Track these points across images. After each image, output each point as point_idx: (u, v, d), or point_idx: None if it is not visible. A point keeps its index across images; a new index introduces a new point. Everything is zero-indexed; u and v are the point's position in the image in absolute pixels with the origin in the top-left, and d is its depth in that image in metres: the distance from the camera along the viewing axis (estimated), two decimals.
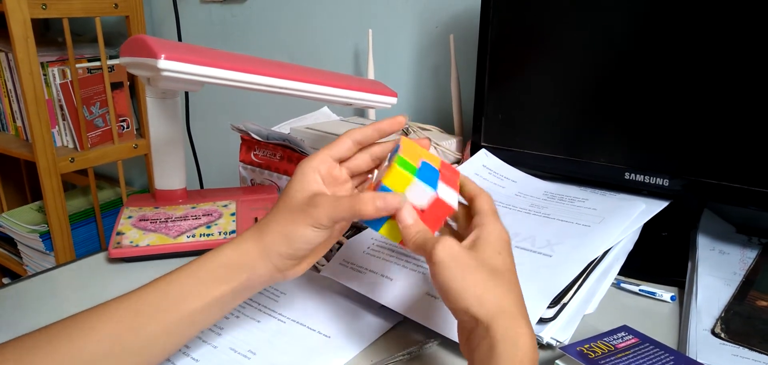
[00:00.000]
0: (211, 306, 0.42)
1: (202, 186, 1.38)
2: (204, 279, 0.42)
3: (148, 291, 0.42)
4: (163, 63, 0.50)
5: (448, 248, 0.38)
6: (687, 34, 0.58)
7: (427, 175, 0.42)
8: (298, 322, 0.51)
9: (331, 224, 0.42)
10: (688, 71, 0.59)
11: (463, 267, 0.37)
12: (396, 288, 0.52)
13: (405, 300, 0.51)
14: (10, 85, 1.43)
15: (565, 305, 0.49)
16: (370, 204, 0.40)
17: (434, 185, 0.42)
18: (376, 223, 0.42)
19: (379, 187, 0.42)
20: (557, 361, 0.43)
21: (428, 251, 0.38)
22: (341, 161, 0.46)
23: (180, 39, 1.31)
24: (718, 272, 0.57)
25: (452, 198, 0.42)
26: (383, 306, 0.52)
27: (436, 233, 0.42)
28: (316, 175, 0.44)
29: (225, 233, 0.65)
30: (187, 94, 1.29)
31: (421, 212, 0.42)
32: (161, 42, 0.53)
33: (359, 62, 1.10)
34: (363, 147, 0.47)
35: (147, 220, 0.66)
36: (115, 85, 1.39)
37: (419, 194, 0.41)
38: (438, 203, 0.42)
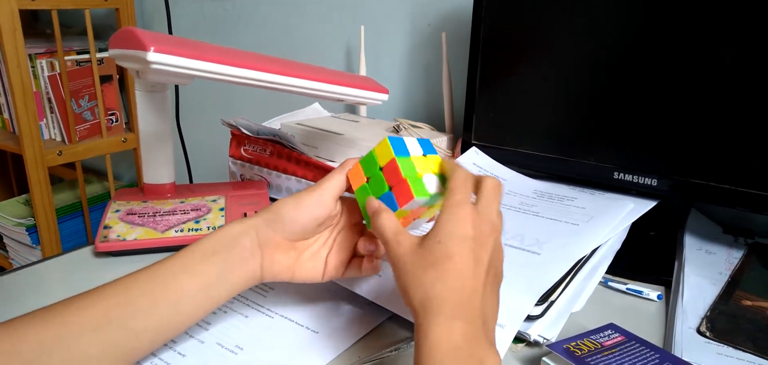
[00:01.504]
0: (196, 286, 0.43)
1: (191, 181, 1.37)
2: (193, 257, 0.44)
3: (140, 272, 0.43)
4: (152, 55, 0.50)
5: (394, 249, 0.40)
6: (677, 35, 0.58)
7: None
8: (285, 318, 0.51)
9: (330, 199, 0.46)
10: (678, 73, 0.59)
11: (402, 266, 0.39)
12: (384, 284, 0.52)
13: (393, 296, 0.51)
14: None
15: (552, 302, 0.50)
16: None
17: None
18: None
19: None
20: (544, 358, 0.43)
21: (386, 246, 0.41)
22: None
23: (170, 33, 1.30)
24: (704, 271, 0.57)
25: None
26: (371, 302, 0.52)
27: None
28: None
29: (213, 228, 0.65)
30: (177, 87, 1.28)
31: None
32: (151, 34, 0.52)
33: (351, 59, 1.09)
34: None
35: (135, 214, 0.66)
36: (104, 79, 1.37)
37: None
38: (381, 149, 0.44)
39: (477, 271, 0.37)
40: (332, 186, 0.46)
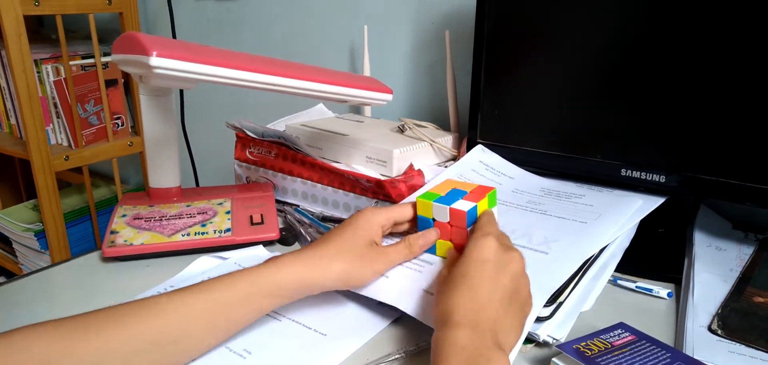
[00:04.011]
0: (253, 316, 0.47)
1: (197, 184, 1.37)
2: (253, 294, 0.45)
3: (198, 294, 0.44)
4: (154, 60, 0.50)
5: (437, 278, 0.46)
6: (684, 30, 0.58)
7: (447, 198, 0.53)
8: (293, 320, 0.51)
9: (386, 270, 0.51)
10: (685, 68, 0.58)
11: (437, 289, 0.45)
12: (392, 285, 0.52)
13: (401, 297, 0.51)
14: (3, 83, 1.42)
15: (561, 302, 0.49)
16: (416, 246, 0.52)
17: (450, 202, 0.52)
18: (430, 248, 0.54)
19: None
20: (554, 359, 0.43)
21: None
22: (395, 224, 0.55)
23: (174, 36, 1.30)
24: (714, 268, 0.57)
25: (465, 205, 0.51)
26: (380, 303, 0.51)
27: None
28: (380, 229, 0.52)
29: (220, 231, 0.65)
30: (182, 91, 1.28)
31: (450, 226, 0.52)
32: (153, 39, 0.52)
33: (354, 59, 1.09)
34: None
35: (141, 218, 0.66)
36: (110, 83, 1.38)
37: (440, 212, 0.53)
38: (455, 213, 0.51)
39: (493, 289, 0.41)
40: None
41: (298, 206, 0.78)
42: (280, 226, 0.70)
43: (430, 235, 0.53)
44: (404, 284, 0.52)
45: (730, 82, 0.56)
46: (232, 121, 0.81)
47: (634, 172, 0.64)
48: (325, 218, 0.74)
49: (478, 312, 0.39)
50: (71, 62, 1.31)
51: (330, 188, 0.74)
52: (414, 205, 0.55)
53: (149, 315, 0.41)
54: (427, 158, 0.77)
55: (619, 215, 0.59)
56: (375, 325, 0.50)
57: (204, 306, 0.43)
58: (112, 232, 0.64)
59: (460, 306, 0.40)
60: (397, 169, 0.72)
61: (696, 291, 0.53)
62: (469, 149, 0.74)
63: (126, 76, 1.45)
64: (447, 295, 0.41)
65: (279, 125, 0.89)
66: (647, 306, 0.55)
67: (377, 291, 0.52)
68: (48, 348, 0.37)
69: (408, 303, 0.50)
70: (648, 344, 0.44)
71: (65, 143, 1.37)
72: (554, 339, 0.46)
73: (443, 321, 0.39)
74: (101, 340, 0.39)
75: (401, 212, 0.54)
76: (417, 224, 0.55)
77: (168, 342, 0.41)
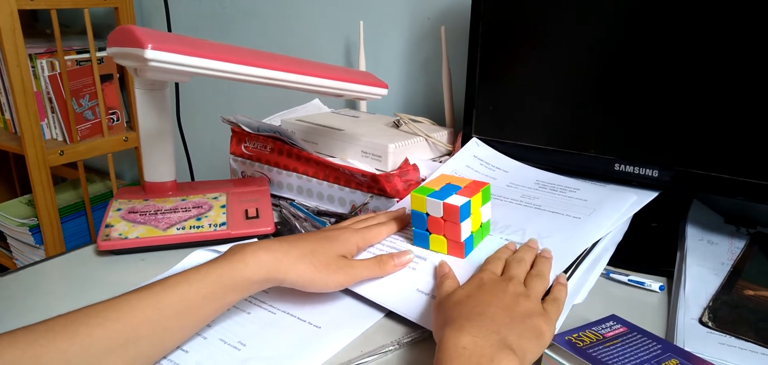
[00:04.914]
0: (219, 311, 0.47)
1: (192, 178, 1.37)
2: (222, 289, 0.46)
3: (165, 291, 0.44)
4: (150, 53, 0.50)
5: (437, 298, 0.47)
6: (677, 26, 0.58)
7: (441, 193, 0.54)
8: (288, 313, 0.51)
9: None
10: (678, 63, 0.59)
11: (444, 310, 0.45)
12: (385, 285, 0.52)
13: (393, 296, 0.51)
14: None
15: None
16: (389, 265, 0.53)
17: (444, 196, 0.53)
18: (423, 242, 0.55)
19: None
20: (546, 350, 0.43)
21: (439, 291, 0.49)
22: None
23: (170, 30, 1.30)
24: (706, 262, 0.57)
25: (459, 200, 0.52)
26: None
27: (466, 238, 0.53)
28: (355, 248, 0.54)
29: (215, 226, 0.65)
30: (177, 85, 1.28)
31: (443, 221, 0.53)
32: (148, 32, 0.52)
33: (350, 54, 1.09)
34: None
35: (136, 212, 0.66)
36: (105, 78, 1.37)
37: (434, 207, 0.53)
38: (448, 208, 0.52)
39: (497, 298, 0.43)
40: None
41: (294, 200, 0.78)
42: (276, 220, 0.70)
43: (404, 257, 0.54)
44: (397, 283, 0.52)
45: (722, 78, 0.57)
46: (228, 116, 0.81)
47: (628, 166, 0.64)
48: (321, 213, 0.74)
49: (478, 316, 0.41)
50: (66, 57, 1.31)
51: (325, 182, 0.74)
52: (396, 222, 0.59)
53: (120, 315, 0.41)
54: (422, 152, 0.77)
55: (613, 211, 0.59)
56: (370, 317, 0.51)
57: (173, 301, 0.43)
58: (107, 225, 0.64)
59: (458, 318, 0.41)
60: (392, 163, 0.72)
61: (687, 284, 0.53)
62: (463, 144, 0.74)
63: (121, 70, 1.44)
64: (438, 316, 0.44)
65: (274, 120, 0.89)
66: (639, 299, 0.55)
67: (369, 289, 0.52)
68: (20, 355, 0.37)
69: (399, 304, 0.50)
70: (639, 336, 0.44)
71: (60, 138, 1.37)
72: None
73: (445, 327, 0.40)
74: (74, 343, 0.39)
75: (377, 236, 0.57)
76: (411, 219, 0.56)
77: (140, 339, 0.41)
